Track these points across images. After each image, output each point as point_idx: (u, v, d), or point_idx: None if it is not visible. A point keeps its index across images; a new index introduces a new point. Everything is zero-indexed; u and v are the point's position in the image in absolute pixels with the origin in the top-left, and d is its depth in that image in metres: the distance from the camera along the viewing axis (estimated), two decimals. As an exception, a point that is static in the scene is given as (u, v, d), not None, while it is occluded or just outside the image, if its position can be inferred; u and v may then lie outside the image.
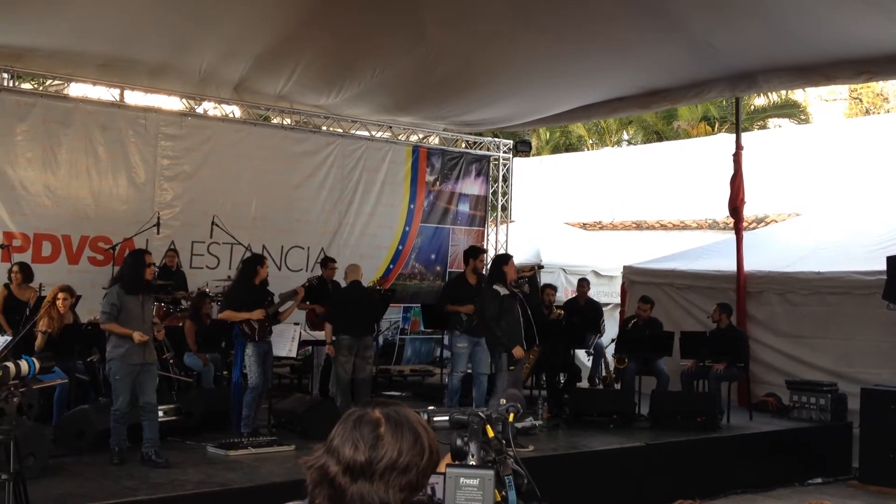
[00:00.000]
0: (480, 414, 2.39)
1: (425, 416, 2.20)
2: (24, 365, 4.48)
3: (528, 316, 8.73)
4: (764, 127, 23.81)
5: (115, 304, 6.77)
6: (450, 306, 9.31)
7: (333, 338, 9.02)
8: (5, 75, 10.17)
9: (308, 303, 10.08)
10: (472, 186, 14.39)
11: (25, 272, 8.87)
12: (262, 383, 8.11)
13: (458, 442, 2.22)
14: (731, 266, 11.61)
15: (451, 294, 9.54)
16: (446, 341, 12.43)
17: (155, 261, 9.77)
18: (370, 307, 9.49)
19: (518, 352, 8.44)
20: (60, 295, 8.11)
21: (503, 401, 2.59)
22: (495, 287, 8.52)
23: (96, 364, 8.21)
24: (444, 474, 1.88)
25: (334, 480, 1.64)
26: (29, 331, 7.78)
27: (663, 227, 17.33)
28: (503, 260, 8.92)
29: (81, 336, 8.08)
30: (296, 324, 8.98)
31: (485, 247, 13.20)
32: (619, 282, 13.63)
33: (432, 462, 1.71)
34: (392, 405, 1.74)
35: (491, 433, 2.39)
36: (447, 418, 2.36)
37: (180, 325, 9.47)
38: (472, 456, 2.20)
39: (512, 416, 2.50)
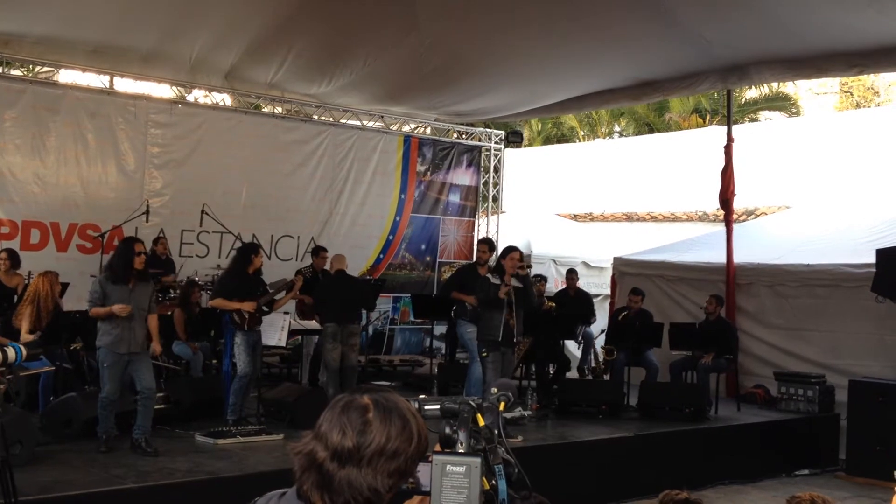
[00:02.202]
0: (471, 403, 2.37)
1: (416, 405, 2.18)
2: (10, 352, 4.46)
3: (514, 310, 8.66)
4: (755, 120, 23.89)
5: (97, 292, 6.74)
6: (455, 294, 9.35)
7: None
8: (-6, 61, 10.11)
9: (298, 293, 10.06)
10: (463, 177, 14.36)
11: (13, 258, 8.79)
12: (251, 372, 8.08)
13: (447, 430, 2.20)
14: (720, 258, 11.63)
15: (459, 282, 9.58)
16: (436, 331, 12.47)
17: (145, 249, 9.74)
18: (356, 296, 9.45)
19: None
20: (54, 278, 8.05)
21: (494, 389, 2.59)
22: (488, 276, 8.66)
23: (80, 352, 8.17)
24: (430, 461, 1.87)
25: (322, 466, 1.63)
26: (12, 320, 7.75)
27: (654, 218, 17.34)
28: (503, 253, 8.91)
29: (68, 324, 8.03)
30: (286, 313, 8.96)
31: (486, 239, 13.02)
32: (610, 273, 13.65)
33: (421, 448, 1.70)
34: (381, 391, 1.73)
35: (482, 422, 2.37)
36: (438, 407, 2.35)
37: (169, 313, 9.43)
38: (461, 444, 2.19)
39: (503, 405, 2.49)
